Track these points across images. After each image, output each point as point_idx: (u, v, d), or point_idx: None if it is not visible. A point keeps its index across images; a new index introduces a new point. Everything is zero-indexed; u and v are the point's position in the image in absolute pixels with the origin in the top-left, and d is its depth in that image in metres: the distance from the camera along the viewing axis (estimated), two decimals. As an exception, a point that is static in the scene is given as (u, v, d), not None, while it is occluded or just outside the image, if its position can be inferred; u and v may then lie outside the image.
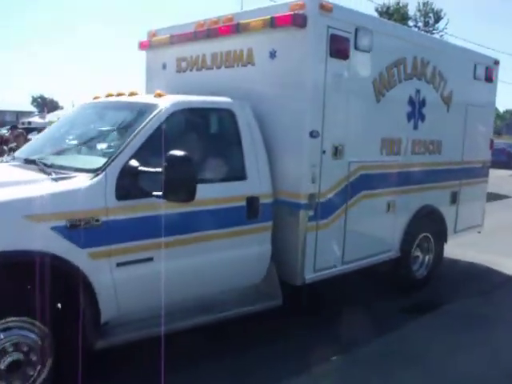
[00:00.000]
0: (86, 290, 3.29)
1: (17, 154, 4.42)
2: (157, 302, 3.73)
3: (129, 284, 3.49)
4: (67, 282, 3.25)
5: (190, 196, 3.32)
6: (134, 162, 3.43)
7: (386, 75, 4.93)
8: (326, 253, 4.62)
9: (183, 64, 5.38)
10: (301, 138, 4.27)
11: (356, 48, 4.53)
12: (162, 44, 5.48)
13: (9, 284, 2.99)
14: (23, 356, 3.06)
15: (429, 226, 5.92)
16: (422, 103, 5.48)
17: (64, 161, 3.79)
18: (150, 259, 3.58)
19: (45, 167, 3.56)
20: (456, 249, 6.99)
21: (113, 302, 3.44)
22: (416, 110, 5.41)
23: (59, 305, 3.28)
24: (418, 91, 5.39)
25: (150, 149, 3.62)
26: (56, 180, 3.36)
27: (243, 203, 4.09)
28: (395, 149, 5.22)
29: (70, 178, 3.40)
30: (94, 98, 4.82)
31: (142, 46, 5.78)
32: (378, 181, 5.05)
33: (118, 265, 3.42)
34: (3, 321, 2.97)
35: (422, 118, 5.51)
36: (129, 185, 3.41)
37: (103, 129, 4.16)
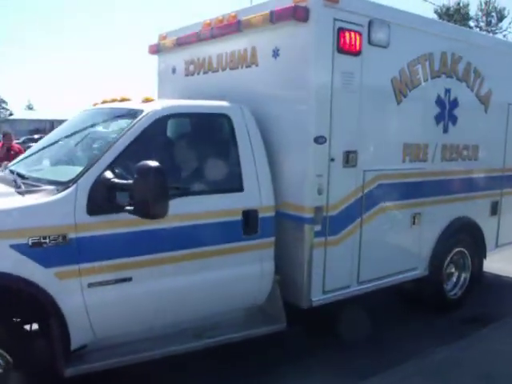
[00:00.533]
0: (53, 312, 3.00)
1: (10, 164, 4.25)
2: (141, 326, 3.44)
3: (104, 306, 3.18)
4: (31, 304, 2.98)
5: (160, 212, 2.96)
6: (108, 174, 3.13)
7: (407, 73, 4.40)
8: (338, 272, 4.14)
9: (191, 67, 5.07)
10: (304, 144, 3.83)
11: (370, 43, 4.04)
12: (170, 47, 5.19)
13: None
14: None
15: (464, 240, 5.29)
16: (454, 104, 4.88)
17: (42, 172, 3.55)
18: (127, 279, 3.25)
19: (17, 180, 3.32)
20: (496, 263, 6.31)
21: (85, 326, 3.14)
22: (446, 111, 4.82)
23: (22, 329, 3.02)
24: (447, 90, 4.81)
25: (129, 158, 3.30)
26: (22, 193, 3.11)
27: (238, 217, 3.69)
28: (421, 155, 4.66)
29: (38, 191, 3.13)
30: (94, 105, 4.59)
31: (151, 50, 5.52)
32: (399, 191, 4.51)
33: (90, 285, 3.11)
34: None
35: (454, 120, 4.91)
36: (102, 198, 3.10)
37: (88, 137, 3.89)
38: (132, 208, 2.98)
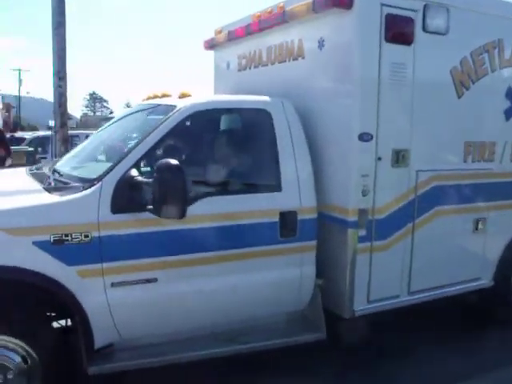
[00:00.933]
0: (75, 310, 2.98)
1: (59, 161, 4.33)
2: (167, 329, 3.34)
3: (127, 306, 3.11)
4: (54, 302, 2.98)
5: (178, 212, 2.84)
6: (133, 172, 3.05)
7: (470, 63, 3.95)
8: (386, 280, 3.80)
9: (243, 62, 4.91)
10: (348, 141, 3.55)
11: (425, 30, 3.66)
12: (223, 42, 5.07)
13: None
14: (2, 379, 2.84)
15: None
16: (529, 96, 4.34)
17: (78, 170, 3.56)
18: (153, 280, 3.16)
19: (50, 176, 3.34)
20: None
21: (109, 326, 3.08)
22: (518, 104, 4.30)
23: (48, 326, 3.03)
24: (521, 82, 4.28)
25: (158, 155, 3.22)
26: (49, 190, 3.11)
27: (275, 219, 3.48)
28: (486, 154, 4.18)
29: (65, 188, 3.12)
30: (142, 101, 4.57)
31: (206, 45, 5.43)
32: (459, 194, 4.07)
33: (113, 285, 3.05)
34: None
35: (529, 115, 4.37)
36: (127, 197, 3.03)
37: (122, 134, 3.86)
38: (152, 207, 2.89)
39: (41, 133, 18.97)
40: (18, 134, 18.44)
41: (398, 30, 3.53)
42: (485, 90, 4.07)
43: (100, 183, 3.04)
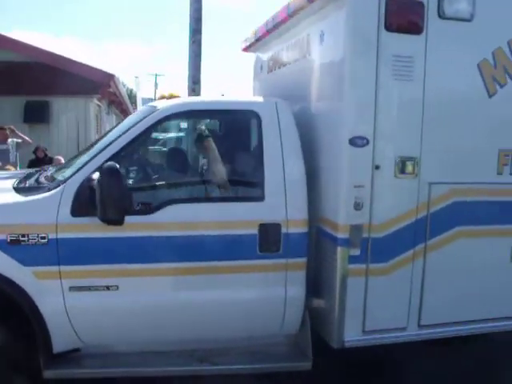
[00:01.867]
0: (32, 312, 2.93)
1: None
2: (135, 339, 3.19)
3: (87, 312, 3.00)
4: (10, 303, 2.95)
5: (115, 217, 2.67)
6: (95, 175, 2.94)
7: (508, 54, 3.27)
8: (387, 309, 3.27)
9: (271, 63, 4.65)
10: (338, 146, 3.11)
11: (441, 16, 3.09)
12: (254, 43, 4.86)
13: None
14: None
15: None
16: None
17: (61, 172, 3.54)
18: (113, 288, 3.02)
19: (36, 177, 3.36)
20: None
21: (67, 331, 3.00)
22: None
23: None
24: None
25: (126, 158, 3.09)
26: (19, 191, 3.12)
27: (253, 231, 3.15)
28: (530, 166, 3.43)
29: (35, 189, 3.11)
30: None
31: (242, 47, 5.24)
32: (490, 213, 3.38)
33: (72, 289, 2.96)
34: None
35: None
36: (87, 200, 2.92)
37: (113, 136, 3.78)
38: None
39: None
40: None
41: (401, 17, 3.01)
42: (528, 87, 3.34)
43: (63, 185, 2.98)
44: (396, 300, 3.28)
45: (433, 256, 3.28)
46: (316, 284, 3.37)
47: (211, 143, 3.30)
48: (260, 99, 3.42)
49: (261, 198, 3.20)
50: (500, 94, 3.28)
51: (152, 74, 46.34)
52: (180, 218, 3.07)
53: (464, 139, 3.28)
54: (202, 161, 3.31)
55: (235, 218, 3.16)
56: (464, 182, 3.30)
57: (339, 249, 3.12)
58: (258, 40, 4.59)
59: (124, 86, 19.80)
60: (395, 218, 3.18)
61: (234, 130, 3.51)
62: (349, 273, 3.14)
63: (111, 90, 12.34)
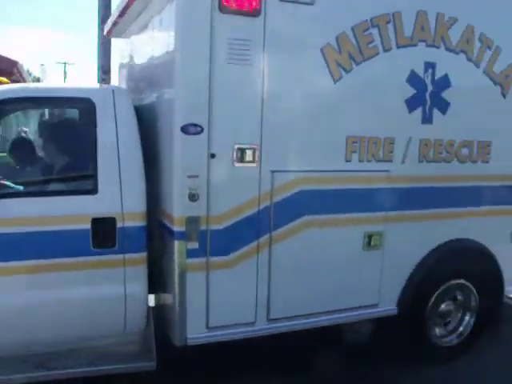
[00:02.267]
0: None
1: None
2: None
3: None
4: None
5: None
6: None
7: (352, 40, 3.19)
8: (233, 304, 3.15)
9: (129, 50, 4.36)
10: (170, 134, 2.93)
11: (281, -1, 2.96)
12: (112, 29, 4.53)
13: None
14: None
15: (466, 269, 3.87)
16: (441, 83, 3.51)
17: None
18: None
19: None
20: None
21: None
22: (426, 93, 3.48)
23: None
24: (429, 65, 3.45)
25: None
26: None
27: (86, 226, 2.93)
28: (380, 153, 3.41)
29: None
30: None
31: (106, 32, 4.93)
32: (341, 201, 3.33)
33: None
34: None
35: (442, 105, 3.54)
36: None
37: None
38: None
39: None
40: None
41: (235, -2, 2.86)
42: (373, 73, 3.29)
43: None
44: (242, 294, 3.16)
45: (279, 247, 3.18)
46: (159, 280, 3.21)
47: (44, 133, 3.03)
48: (97, 86, 3.20)
49: (94, 191, 2.98)
50: (345, 79, 3.20)
51: (61, 63, 44.42)
52: (8, 215, 2.81)
53: (310, 126, 3.19)
54: (31, 151, 3.03)
55: (66, 212, 2.93)
56: (311, 169, 3.22)
57: (176, 242, 2.96)
58: (114, 25, 4.29)
59: (30, 74, 18.74)
60: (235, 209, 3.05)
61: (68, 118, 3.25)
62: (187, 267, 2.98)
63: (14, 77, 11.58)
